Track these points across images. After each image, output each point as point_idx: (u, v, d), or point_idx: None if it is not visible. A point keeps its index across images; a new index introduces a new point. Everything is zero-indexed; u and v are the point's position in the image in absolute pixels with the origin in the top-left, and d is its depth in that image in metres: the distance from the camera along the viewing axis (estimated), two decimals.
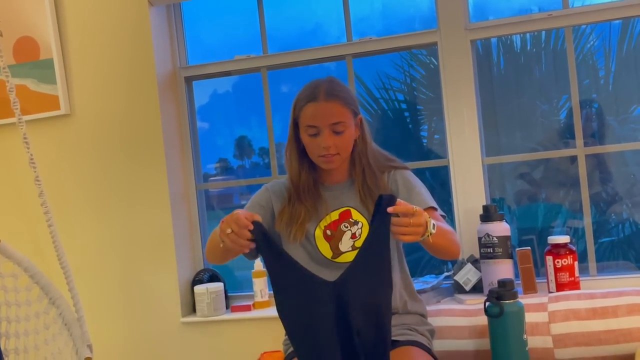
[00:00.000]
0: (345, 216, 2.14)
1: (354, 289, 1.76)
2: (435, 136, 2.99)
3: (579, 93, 2.59)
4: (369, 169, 2.13)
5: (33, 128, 2.83)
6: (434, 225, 1.83)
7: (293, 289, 1.78)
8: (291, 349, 2.19)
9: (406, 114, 3.13)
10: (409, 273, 2.22)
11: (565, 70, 2.60)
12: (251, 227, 1.77)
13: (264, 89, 2.89)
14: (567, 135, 2.70)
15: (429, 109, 3.04)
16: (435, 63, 2.82)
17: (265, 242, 1.80)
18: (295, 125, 2.11)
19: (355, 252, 2.03)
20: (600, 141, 2.68)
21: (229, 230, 1.79)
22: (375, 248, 1.79)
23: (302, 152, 2.14)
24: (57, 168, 2.91)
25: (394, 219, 1.77)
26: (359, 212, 2.12)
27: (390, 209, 1.75)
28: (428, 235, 1.82)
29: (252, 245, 1.80)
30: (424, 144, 3.00)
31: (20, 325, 2.35)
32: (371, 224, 1.83)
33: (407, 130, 3.10)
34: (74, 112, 2.91)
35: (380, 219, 1.78)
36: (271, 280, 1.81)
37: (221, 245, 1.87)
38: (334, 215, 2.14)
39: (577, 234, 2.74)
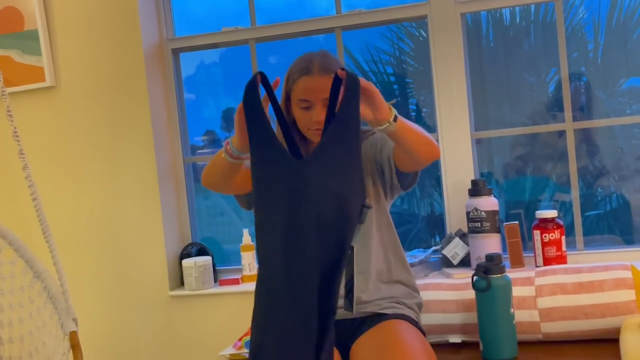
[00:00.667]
0: None
1: (323, 171, 1.55)
2: (424, 109, 2.96)
3: (568, 66, 2.56)
4: None
5: (17, 100, 2.79)
6: (395, 113, 1.78)
7: (263, 159, 1.60)
8: None
9: (395, 86, 3.09)
10: (399, 241, 2.18)
11: (555, 44, 2.57)
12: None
13: (252, 61, 2.84)
14: (555, 108, 2.68)
15: (417, 82, 3.00)
16: (425, 36, 2.78)
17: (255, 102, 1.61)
18: (287, 97, 2.08)
19: None
20: (589, 115, 2.66)
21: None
22: (345, 133, 1.59)
23: (292, 124, 2.11)
24: (42, 141, 2.86)
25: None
26: None
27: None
28: (394, 117, 1.76)
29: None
30: (412, 117, 2.97)
31: (5, 298, 2.32)
32: (338, 108, 1.61)
33: (396, 103, 3.06)
34: (59, 84, 2.86)
35: (346, 100, 1.59)
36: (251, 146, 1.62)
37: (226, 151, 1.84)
38: None
39: (565, 207, 2.73)
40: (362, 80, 1.68)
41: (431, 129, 2.73)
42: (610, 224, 2.71)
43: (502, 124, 2.77)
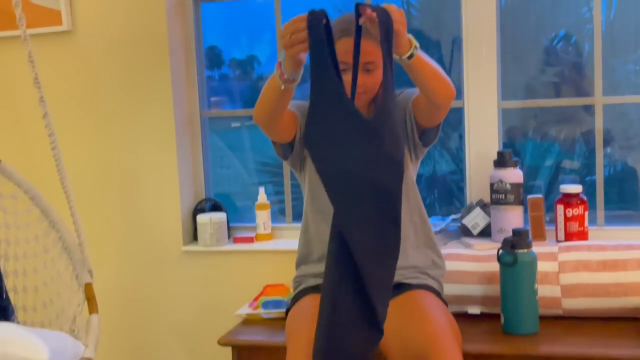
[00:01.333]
0: None
1: (387, 126, 1.61)
2: None
3: (601, 35, 2.49)
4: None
5: (32, 43, 2.68)
6: (416, 46, 1.76)
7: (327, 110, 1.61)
8: (301, 286, 2.14)
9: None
10: (423, 205, 2.16)
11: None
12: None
13: (277, 14, 2.75)
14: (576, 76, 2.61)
15: (424, 38, 2.88)
16: None
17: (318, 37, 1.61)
18: None
19: None
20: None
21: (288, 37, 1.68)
22: (391, 84, 1.64)
23: None
24: (57, 87, 2.77)
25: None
26: None
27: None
28: (415, 48, 1.74)
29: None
30: None
31: (20, 247, 2.29)
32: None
33: None
34: (76, 28, 2.77)
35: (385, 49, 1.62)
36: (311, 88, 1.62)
37: (278, 72, 1.78)
38: None
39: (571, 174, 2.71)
40: (394, 11, 1.65)
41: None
42: (609, 189, 2.63)
43: (521, 91, 2.70)
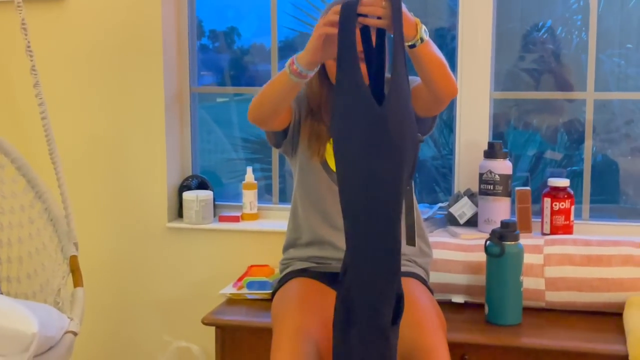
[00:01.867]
0: None
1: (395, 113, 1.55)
2: None
3: (597, 28, 2.49)
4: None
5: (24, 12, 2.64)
6: (425, 30, 1.71)
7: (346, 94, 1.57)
8: (289, 268, 2.14)
9: None
10: (413, 193, 2.15)
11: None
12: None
13: None
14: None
15: None
16: None
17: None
18: None
19: None
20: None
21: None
22: (402, 65, 1.57)
23: (323, 73, 2.03)
24: (48, 57, 2.72)
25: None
26: None
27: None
28: (422, 36, 1.70)
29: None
30: None
31: (5, 217, 2.27)
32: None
33: None
34: None
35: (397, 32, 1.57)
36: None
37: (294, 73, 1.75)
38: None
39: (553, 165, 2.71)
40: None
41: None
42: (594, 185, 2.65)
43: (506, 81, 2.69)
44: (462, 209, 2.48)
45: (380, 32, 1.67)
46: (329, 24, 1.64)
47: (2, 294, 2.15)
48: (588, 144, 2.55)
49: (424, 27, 1.71)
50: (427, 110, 1.98)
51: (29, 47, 2.13)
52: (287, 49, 2.81)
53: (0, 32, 2.76)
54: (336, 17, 1.58)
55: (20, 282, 2.21)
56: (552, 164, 2.73)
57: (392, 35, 1.59)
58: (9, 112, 2.81)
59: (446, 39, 2.70)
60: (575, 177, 2.59)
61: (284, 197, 2.78)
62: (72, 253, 2.26)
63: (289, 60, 1.77)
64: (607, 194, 2.65)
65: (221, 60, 3.00)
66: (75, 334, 2.00)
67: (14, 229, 2.25)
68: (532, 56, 2.66)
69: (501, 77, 2.63)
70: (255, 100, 1.92)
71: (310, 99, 2.08)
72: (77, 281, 2.19)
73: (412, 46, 1.70)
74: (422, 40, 1.70)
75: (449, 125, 2.67)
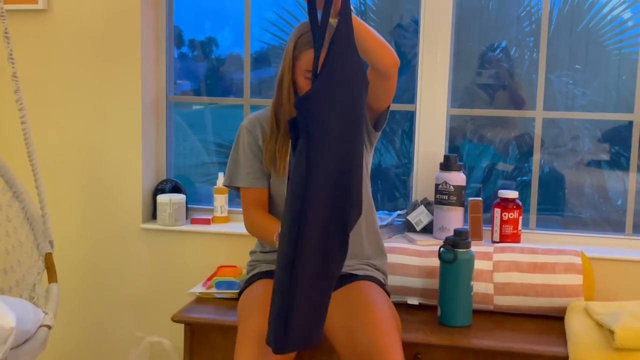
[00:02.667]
0: None
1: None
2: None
3: (547, 50, 2.51)
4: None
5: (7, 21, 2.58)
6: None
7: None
8: (255, 270, 2.12)
9: None
10: (371, 196, 2.16)
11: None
12: None
13: (246, 10, 2.69)
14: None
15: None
16: None
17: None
18: (292, 64, 1.98)
19: None
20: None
21: None
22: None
23: (294, 93, 2.02)
24: (30, 64, 2.67)
25: None
26: None
27: None
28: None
29: None
30: None
31: None
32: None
33: None
34: (52, 7, 2.66)
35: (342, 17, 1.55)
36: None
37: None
38: None
39: (503, 176, 2.72)
40: None
41: (399, 90, 2.62)
42: (540, 195, 2.66)
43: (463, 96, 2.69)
44: (419, 216, 2.48)
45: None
46: None
47: None
48: (536, 157, 2.57)
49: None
50: (379, 95, 1.96)
51: (11, 55, 2.07)
52: (261, 60, 2.80)
53: None
54: None
55: None
56: (504, 175, 2.74)
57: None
58: None
59: (408, 57, 2.69)
60: (525, 187, 2.60)
61: None
62: (47, 250, 2.21)
63: (275, 235, 1.92)
64: (553, 204, 2.66)
65: (199, 68, 2.97)
66: (49, 327, 1.95)
67: None
68: (488, 74, 2.67)
69: (458, 92, 2.64)
70: (253, 232, 2.14)
71: (280, 114, 2.06)
72: (52, 277, 2.14)
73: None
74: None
75: (410, 136, 2.66)
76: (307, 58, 1.94)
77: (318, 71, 1.53)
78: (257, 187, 2.11)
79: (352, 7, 1.67)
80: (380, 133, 2.11)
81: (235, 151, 2.14)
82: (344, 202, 1.59)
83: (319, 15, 1.56)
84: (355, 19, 1.71)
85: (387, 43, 1.84)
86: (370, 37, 1.79)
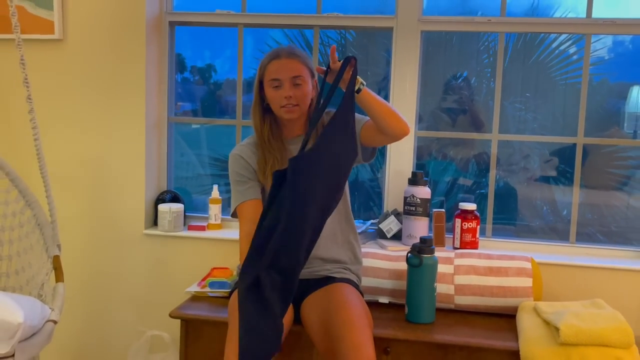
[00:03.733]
0: None
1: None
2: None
3: (502, 80, 2.49)
4: (321, 123, 1.99)
5: (26, 49, 2.50)
6: (363, 82, 1.76)
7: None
8: None
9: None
10: (350, 209, 2.09)
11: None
12: None
13: (239, 43, 2.66)
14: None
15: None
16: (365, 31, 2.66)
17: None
18: (260, 86, 1.95)
19: None
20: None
21: None
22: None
23: (265, 110, 2.00)
24: (46, 89, 2.61)
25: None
26: None
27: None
28: (361, 84, 1.75)
29: None
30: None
31: None
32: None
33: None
34: (67, 38, 2.60)
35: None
36: None
37: None
38: None
39: (463, 190, 2.70)
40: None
41: None
42: (496, 207, 2.63)
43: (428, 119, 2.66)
44: (390, 225, 2.44)
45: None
46: None
47: None
48: (492, 174, 2.54)
49: (362, 80, 1.77)
50: (374, 143, 1.95)
51: (26, 79, 2.02)
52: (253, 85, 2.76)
53: (5, 64, 2.64)
54: None
55: (10, 277, 2.10)
56: (464, 189, 2.71)
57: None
58: (6, 133, 2.67)
59: (381, 85, 2.67)
60: (482, 199, 2.57)
61: None
62: (55, 253, 2.15)
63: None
64: (507, 214, 2.63)
65: (199, 91, 2.93)
66: (55, 322, 1.90)
67: (5, 232, 2.14)
68: (451, 100, 2.65)
69: (425, 116, 2.61)
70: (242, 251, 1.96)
71: (257, 132, 2.02)
72: (59, 277, 2.09)
73: (358, 91, 1.75)
74: (363, 84, 1.75)
75: (383, 154, 2.63)
76: (270, 70, 1.93)
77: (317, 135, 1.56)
78: (253, 198, 1.98)
79: (363, 82, 1.75)
80: (367, 162, 2.06)
81: (231, 178, 2.03)
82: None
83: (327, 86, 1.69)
84: (366, 91, 1.76)
85: (398, 113, 1.82)
86: (381, 107, 1.80)
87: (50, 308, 1.92)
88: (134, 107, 2.58)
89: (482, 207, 2.50)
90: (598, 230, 2.54)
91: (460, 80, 2.68)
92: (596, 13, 2.39)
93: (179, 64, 2.81)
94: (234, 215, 2.03)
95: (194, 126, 2.92)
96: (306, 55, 1.98)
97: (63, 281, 2.06)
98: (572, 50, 2.54)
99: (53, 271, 2.10)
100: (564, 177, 2.58)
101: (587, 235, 2.52)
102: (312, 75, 1.97)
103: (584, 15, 2.40)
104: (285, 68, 1.91)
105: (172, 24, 2.70)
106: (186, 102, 2.91)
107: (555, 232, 2.57)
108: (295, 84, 1.92)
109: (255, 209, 1.95)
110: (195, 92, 2.93)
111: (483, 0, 2.58)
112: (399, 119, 1.82)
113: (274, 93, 1.93)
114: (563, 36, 2.51)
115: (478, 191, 2.66)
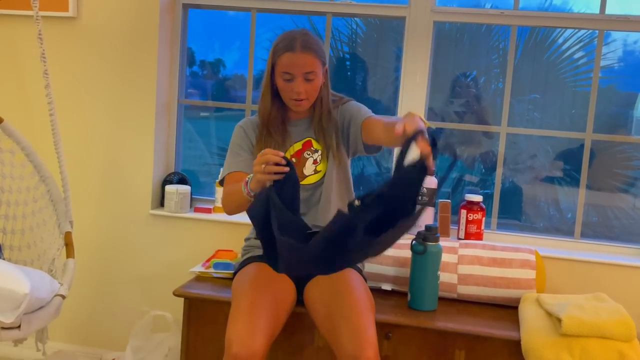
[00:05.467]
0: (307, 145, 2.09)
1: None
2: (369, 84, 2.85)
3: (512, 79, 2.54)
4: (327, 109, 2.07)
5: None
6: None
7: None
8: (249, 254, 2.12)
9: (347, 63, 2.91)
10: (354, 196, 2.16)
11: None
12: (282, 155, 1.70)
13: (252, 28, 2.71)
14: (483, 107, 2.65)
15: (366, 62, 2.84)
16: (376, 23, 2.73)
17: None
18: (271, 69, 1.99)
19: (317, 175, 2.03)
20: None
21: (263, 166, 1.70)
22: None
23: (274, 94, 2.04)
24: (59, 64, 2.66)
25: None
26: (317, 142, 2.07)
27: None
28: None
29: (286, 169, 1.68)
30: (359, 87, 2.86)
31: (13, 195, 2.21)
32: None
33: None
34: (81, 16, 2.66)
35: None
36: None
37: (245, 190, 1.81)
38: (297, 146, 2.09)
39: (470, 185, 2.74)
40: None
41: (379, 109, 2.67)
42: (502, 204, 2.68)
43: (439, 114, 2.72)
44: None
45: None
46: (272, 173, 1.70)
47: (4, 259, 2.08)
48: (499, 172, 2.59)
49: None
50: (377, 145, 2.02)
51: (43, 54, 2.07)
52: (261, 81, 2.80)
53: (21, 39, 2.69)
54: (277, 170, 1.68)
55: (21, 250, 2.16)
56: (470, 185, 2.75)
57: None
58: (22, 108, 2.73)
59: (391, 78, 2.71)
60: (487, 199, 2.61)
61: None
62: (67, 229, 2.21)
63: (244, 183, 1.82)
64: (512, 213, 2.67)
65: (207, 85, 2.98)
66: (63, 297, 1.95)
67: (19, 206, 2.20)
68: (459, 98, 2.69)
69: (433, 112, 2.65)
70: (225, 204, 1.99)
71: (262, 114, 2.07)
72: (70, 253, 2.14)
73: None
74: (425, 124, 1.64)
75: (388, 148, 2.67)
76: (283, 61, 1.95)
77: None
78: (243, 171, 2.01)
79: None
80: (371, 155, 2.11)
81: (229, 148, 2.11)
82: None
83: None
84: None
85: None
86: None
87: (59, 283, 1.97)
88: (145, 87, 2.64)
89: (486, 206, 2.52)
90: (602, 233, 2.58)
91: (469, 78, 2.72)
92: (610, 10, 2.43)
93: (189, 58, 2.86)
94: (222, 183, 2.09)
95: (202, 115, 2.98)
96: (320, 44, 2.00)
97: (74, 257, 2.12)
98: (581, 53, 2.57)
99: (64, 247, 2.15)
100: (570, 177, 2.62)
101: (592, 235, 2.56)
102: (323, 64, 2.01)
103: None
104: (299, 63, 1.93)
105: (185, 7, 2.75)
106: (195, 97, 2.96)
107: (560, 232, 2.61)
108: (307, 79, 1.96)
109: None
110: (204, 85, 2.98)
111: None
112: None
113: (285, 85, 1.97)
114: (573, 39, 2.56)
115: (483, 191, 2.70)
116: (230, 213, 2.00)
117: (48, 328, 2.04)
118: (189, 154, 2.94)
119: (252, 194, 1.79)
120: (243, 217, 2.29)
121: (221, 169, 2.64)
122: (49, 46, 2.61)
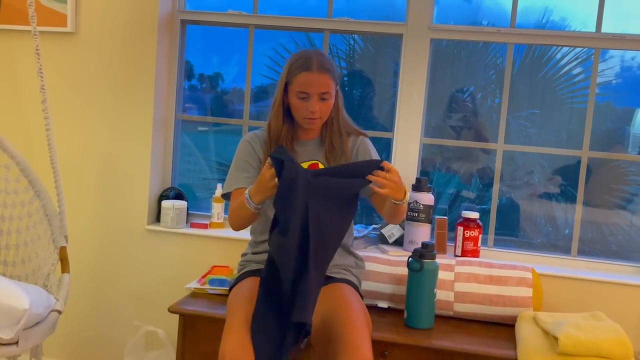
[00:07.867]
0: (313, 168, 2.07)
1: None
2: (366, 100, 2.86)
3: (508, 98, 2.55)
4: (337, 131, 2.07)
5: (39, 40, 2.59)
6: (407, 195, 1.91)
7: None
8: (245, 269, 2.11)
9: (345, 78, 2.92)
10: (353, 226, 2.17)
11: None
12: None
13: (250, 44, 2.72)
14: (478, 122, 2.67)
15: (362, 77, 2.86)
16: (374, 40, 2.74)
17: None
18: (285, 87, 2.00)
19: None
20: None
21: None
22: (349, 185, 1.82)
23: (286, 111, 2.03)
24: (57, 79, 2.67)
25: (377, 172, 1.82)
26: (324, 165, 2.05)
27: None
28: (402, 202, 1.88)
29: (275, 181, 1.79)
30: (355, 104, 2.88)
31: (7, 210, 2.21)
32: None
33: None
34: (79, 31, 2.67)
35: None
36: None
37: (251, 207, 1.89)
38: (304, 166, 2.06)
39: (466, 201, 2.74)
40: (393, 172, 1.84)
41: (377, 124, 2.67)
42: (498, 220, 2.68)
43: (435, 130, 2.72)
44: (392, 230, 2.49)
45: None
46: (272, 187, 1.80)
47: None
48: (496, 188, 2.59)
49: (408, 194, 1.96)
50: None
51: (40, 69, 2.08)
52: (261, 94, 2.82)
53: (19, 54, 2.71)
54: (274, 182, 1.77)
55: (16, 266, 2.15)
56: (467, 201, 2.76)
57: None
58: (18, 122, 2.73)
59: (389, 94, 2.73)
60: (484, 215, 2.62)
61: None
62: (62, 244, 2.20)
63: (245, 201, 1.89)
64: (509, 229, 2.68)
65: (206, 98, 2.99)
66: (59, 312, 1.95)
67: (14, 221, 2.19)
68: (456, 114, 2.70)
69: (430, 128, 2.66)
70: (232, 221, 2.01)
71: (273, 132, 2.07)
72: (65, 268, 2.13)
73: (396, 203, 1.89)
74: (406, 201, 1.91)
75: (388, 160, 2.67)
76: (299, 80, 1.96)
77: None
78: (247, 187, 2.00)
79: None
80: None
81: (234, 161, 2.10)
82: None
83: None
84: (405, 204, 1.93)
85: (404, 215, 2.00)
86: (401, 214, 1.97)
87: (55, 298, 1.97)
88: (142, 102, 2.65)
89: (483, 222, 2.51)
90: (599, 249, 2.58)
91: (466, 94, 2.74)
92: (606, 29, 2.45)
93: (187, 72, 2.87)
94: (225, 196, 2.10)
95: (200, 129, 2.98)
96: (333, 64, 2.02)
97: (69, 272, 2.11)
98: (578, 70, 2.59)
99: (59, 262, 2.15)
100: (566, 195, 2.63)
101: (589, 252, 2.57)
102: (336, 84, 2.02)
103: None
104: (316, 84, 1.94)
105: (183, 23, 2.77)
106: (193, 111, 2.97)
107: (556, 249, 2.62)
108: (322, 99, 1.97)
109: None
110: (203, 99, 2.99)
111: (493, 13, 2.65)
112: (401, 219, 2.01)
113: (300, 104, 1.98)
114: (570, 55, 2.58)
115: (480, 206, 2.71)
116: (238, 228, 2.01)
117: (43, 344, 2.03)
118: (186, 167, 2.95)
119: (258, 207, 1.88)
120: (239, 234, 2.31)
121: (219, 184, 2.69)
122: (48, 61, 2.62)
